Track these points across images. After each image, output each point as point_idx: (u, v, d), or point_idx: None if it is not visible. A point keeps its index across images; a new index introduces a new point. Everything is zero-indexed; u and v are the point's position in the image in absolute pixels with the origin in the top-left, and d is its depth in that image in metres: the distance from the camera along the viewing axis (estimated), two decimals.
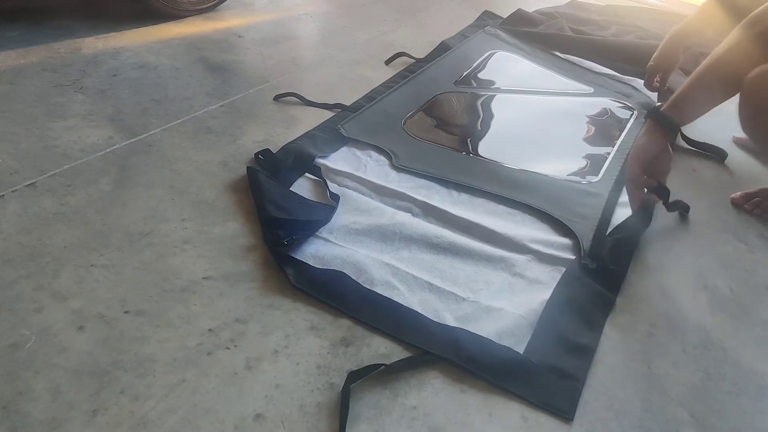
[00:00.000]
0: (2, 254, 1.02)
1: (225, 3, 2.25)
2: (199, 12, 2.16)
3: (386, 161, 1.42)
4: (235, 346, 0.91)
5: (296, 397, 0.85)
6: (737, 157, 1.60)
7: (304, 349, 0.92)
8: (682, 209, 1.33)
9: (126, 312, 0.94)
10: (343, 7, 2.47)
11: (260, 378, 0.87)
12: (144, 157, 1.33)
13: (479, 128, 1.68)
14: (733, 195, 1.43)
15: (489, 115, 1.76)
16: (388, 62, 1.96)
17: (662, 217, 1.35)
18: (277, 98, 1.64)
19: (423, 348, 0.93)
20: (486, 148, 1.56)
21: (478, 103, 1.82)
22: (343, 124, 1.54)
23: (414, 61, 1.98)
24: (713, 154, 1.61)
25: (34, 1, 2.08)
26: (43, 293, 0.96)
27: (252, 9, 2.32)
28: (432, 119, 1.69)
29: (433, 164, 1.42)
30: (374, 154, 1.44)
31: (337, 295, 1.01)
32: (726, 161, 1.59)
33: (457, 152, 1.53)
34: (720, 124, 1.68)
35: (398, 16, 2.42)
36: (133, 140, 1.38)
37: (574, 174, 1.47)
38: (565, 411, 0.87)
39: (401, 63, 1.97)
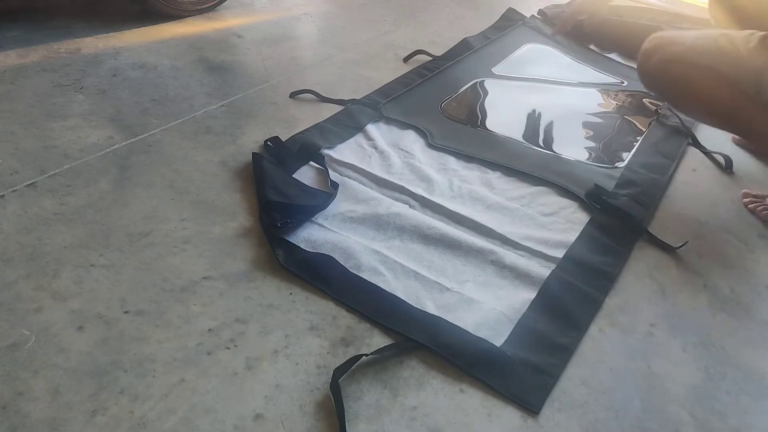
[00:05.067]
0: (2, 254, 1.02)
1: (225, 3, 2.25)
2: (199, 12, 2.16)
3: (392, 154, 1.44)
4: (235, 346, 0.91)
5: (296, 397, 0.85)
6: (736, 158, 1.60)
7: (304, 349, 0.92)
8: None
9: (126, 312, 0.95)
10: (343, 7, 2.47)
11: (260, 378, 0.87)
12: (144, 157, 1.33)
13: (514, 114, 1.75)
14: (745, 199, 1.41)
15: (524, 102, 1.83)
16: (406, 59, 1.98)
17: (662, 216, 1.35)
18: (293, 95, 1.66)
19: (400, 332, 0.95)
20: (520, 132, 1.63)
21: (513, 91, 1.90)
22: (384, 105, 1.63)
23: (430, 59, 1.99)
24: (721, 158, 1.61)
25: (34, 1, 2.08)
26: (43, 293, 0.96)
27: (252, 9, 2.32)
28: (469, 103, 1.78)
29: (466, 144, 1.51)
30: (380, 146, 1.47)
31: (323, 278, 1.04)
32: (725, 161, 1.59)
33: (491, 134, 1.60)
34: None
35: (398, 16, 2.41)
36: (133, 140, 1.38)
37: (601, 159, 1.54)
38: (532, 405, 0.88)
39: (404, 61, 1.97)
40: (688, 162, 1.59)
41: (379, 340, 0.95)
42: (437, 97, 1.74)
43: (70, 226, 1.11)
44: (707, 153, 1.61)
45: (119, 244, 1.08)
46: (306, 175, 1.34)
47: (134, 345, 0.89)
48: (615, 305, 1.08)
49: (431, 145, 1.49)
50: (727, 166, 1.57)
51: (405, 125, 1.57)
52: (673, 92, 1.45)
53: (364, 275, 1.06)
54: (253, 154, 1.33)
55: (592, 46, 2.28)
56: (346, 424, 0.81)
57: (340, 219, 1.20)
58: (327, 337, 0.95)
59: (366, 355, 0.90)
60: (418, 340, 0.94)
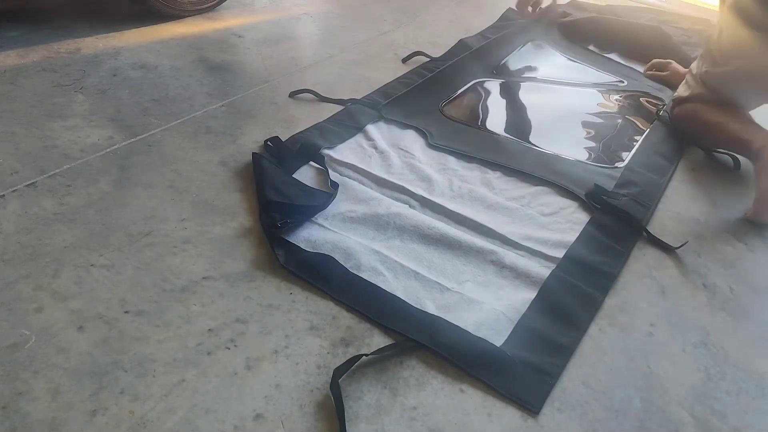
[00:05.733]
0: (2, 254, 1.02)
1: (225, 3, 2.25)
2: (199, 12, 2.16)
3: (392, 154, 1.44)
4: (235, 346, 0.91)
5: (296, 397, 0.85)
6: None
7: (304, 349, 0.92)
8: None
9: (126, 312, 0.95)
10: (343, 7, 2.47)
11: (260, 378, 0.87)
12: (144, 157, 1.33)
13: (513, 114, 1.76)
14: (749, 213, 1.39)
15: (524, 102, 1.85)
16: (405, 60, 1.98)
17: (662, 216, 1.35)
18: (293, 95, 1.66)
19: (400, 332, 0.95)
20: (519, 132, 1.63)
21: (514, 90, 1.91)
22: (384, 105, 1.62)
23: (429, 59, 1.99)
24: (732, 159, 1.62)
25: (34, 1, 2.08)
26: (43, 293, 0.96)
27: (252, 9, 2.32)
28: (468, 104, 1.78)
29: (465, 144, 1.51)
30: (380, 146, 1.47)
31: (323, 278, 1.04)
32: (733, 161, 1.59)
33: (490, 134, 1.60)
34: None
35: (398, 16, 2.42)
36: (133, 140, 1.38)
37: (601, 159, 1.54)
38: (532, 404, 0.88)
39: (403, 62, 1.97)
40: (688, 162, 1.59)
41: (379, 340, 0.95)
42: (437, 98, 1.73)
43: (70, 226, 1.11)
44: (712, 152, 1.62)
45: (119, 244, 1.08)
46: (306, 175, 1.34)
47: (134, 345, 0.89)
48: (615, 305, 1.08)
49: (431, 145, 1.49)
50: (735, 167, 1.57)
51: (405, 126, 1.57)
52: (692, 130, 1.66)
53: (364, 275, 1.06)
54: (253, 154, 1.33)
55: (591, 47, 2.29)
56: (346, 424, 0.81)
57: (340, 219, 1.20)
58: (327, 337, 0.95)
59: (366, 355, 0.90)
60: (418, 340, 0.94)
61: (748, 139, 1.44)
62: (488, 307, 1.03)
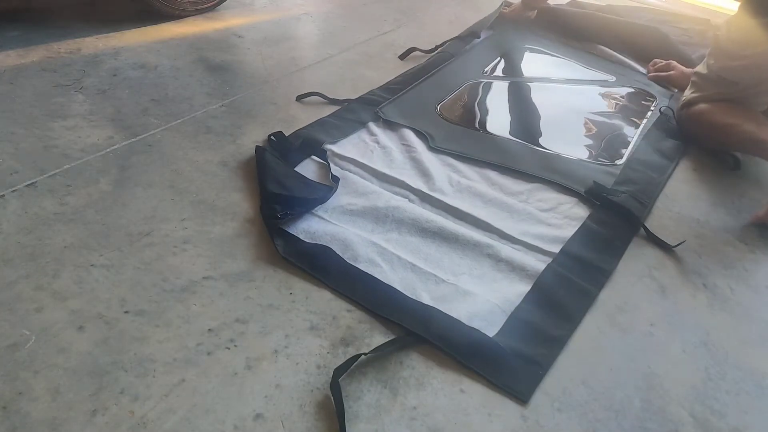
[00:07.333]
0: (2, 254, 1.02)
1: (225, 3, 2.24)
2: (199, 12, 2.16)
3: (394, 149, 1.45)
4: (235, 346, 0.91)
5: (296, 397, 0.85)
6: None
7: (304, 349, 0.92)
8: None
9: (126, 312, 0.95)
10: (343, 7, 2.47)
11: (260, 378, 0.87)
12: (144, 157, 1.33)
13: (509, 114, 1.77)
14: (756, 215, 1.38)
15: (518, 102, 1.87)
16: (402, 57, 1.99)
17: (662, 216, 1.35)
18: (299, 98, 1.65)
19: (394, 321, 0.96)
20: (516, 131, 1.64)
21: (507, 90, 1.92)
22: (382, 108, 1.62)
23: (425, 54, 2.00)
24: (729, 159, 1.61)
25: (34, 1, 2.08)
26: (43, 293, 0.96)
27: (252, 9, 2.32)
28: (464, 105, 1.79)
29: (466, 146, 1.51)
30: (382, 141, 1.48)
31: (321, 268, 1.06)
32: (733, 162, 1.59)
33: (490, 135, 1.60)
34: None
35: (398, 16, 2.41)
36: (133, 140, 1.38)
37: (599, 157, 1.55)
38: (522, 394, 0.89)
39: (400, 59, 1.97)
40: (689, 161, 1.59)
41: (379, 339, 0.95)
42: (433, 99, 1.72)
43: (70, 226, 1.11)
44: (719, 153, 1.61)
45: (119, 244, 1.08)
46: (308, 168, 1.35)
47: (134, 345, 0.89)
48: (615, 305, 1.08)
49: (432, 149, 1.48)
50: (735, 167, 1.57)
51: (405, 127, 1.57)
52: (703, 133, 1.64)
53: (361, 266, 1.07)
54: (257, 147, 1.34)
55: (584, 44, 2.27)
56: (346, 424, 0.81)
57: (340, 211, 1.21)
58: (327, 337, 0.95)
59: (365, 353, 0.90)
60: (412, 329, 0.95)
61: (766, 139, 1.43)
62: (482, 298, 1.04)
